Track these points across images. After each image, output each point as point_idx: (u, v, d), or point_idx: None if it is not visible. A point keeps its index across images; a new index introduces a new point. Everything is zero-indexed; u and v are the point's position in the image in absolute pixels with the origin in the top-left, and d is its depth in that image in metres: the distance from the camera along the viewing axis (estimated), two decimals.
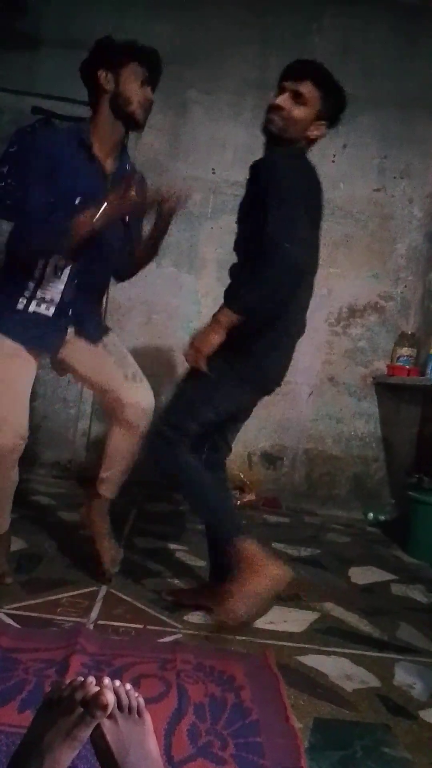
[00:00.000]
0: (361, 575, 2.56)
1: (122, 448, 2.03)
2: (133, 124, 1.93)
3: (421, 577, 2.63)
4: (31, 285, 1.90)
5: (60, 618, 1.75)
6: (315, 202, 1.89)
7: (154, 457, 1.90)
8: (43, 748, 0.90)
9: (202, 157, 3.62)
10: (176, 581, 2.17)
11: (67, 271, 1.92)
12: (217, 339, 1.78)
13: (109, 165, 1.96)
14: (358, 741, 1.34)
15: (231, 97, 3.60)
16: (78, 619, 1.75)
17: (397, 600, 2.33)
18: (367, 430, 3.71)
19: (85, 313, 2.00)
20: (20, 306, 1.90)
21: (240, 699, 1.43)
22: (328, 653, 1.77)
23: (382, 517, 3.58)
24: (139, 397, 2.01)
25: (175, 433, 1.84)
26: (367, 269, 3.69)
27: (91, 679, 0.96)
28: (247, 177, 1.84)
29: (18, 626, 1.68)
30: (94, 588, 1.99)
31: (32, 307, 1.90)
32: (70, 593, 1.94)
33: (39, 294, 1.91)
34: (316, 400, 3.68)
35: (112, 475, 2.05)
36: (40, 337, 1.91)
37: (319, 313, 3.64)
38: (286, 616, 1.99)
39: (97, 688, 0.94)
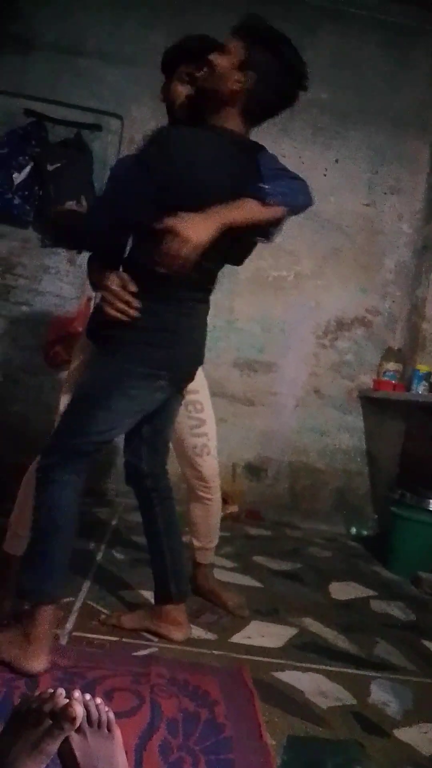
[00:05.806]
0: (341, 590, 2.54)
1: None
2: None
3: (400, 594, 2.62)
4: None
5: None
6: None
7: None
8: (8, 762, 0.88)
9: None
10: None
11: None
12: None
13: None
14: (330, 759, 1.33)
15: None
16: (53, 631, 1.72)
17: (375, 616, 2.32)
18: (351, 444, 3.71)
19: None
20: None
21: (214, 714, 1.41)
22: (305, 669, 1.75)
23: (364, 532, 3.58)
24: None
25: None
26: (354, 283, 3.70)
27: (61, 691, 0.94)
28: None
29: None
30: (71, 599, 1.95)
31: None
32: None
33: None
34: (301, 412, 3.67)
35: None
36: None
37: (306, 324, 3.65)
38: (264, 631, 1.97)
39: (66, 701, 0.92)
